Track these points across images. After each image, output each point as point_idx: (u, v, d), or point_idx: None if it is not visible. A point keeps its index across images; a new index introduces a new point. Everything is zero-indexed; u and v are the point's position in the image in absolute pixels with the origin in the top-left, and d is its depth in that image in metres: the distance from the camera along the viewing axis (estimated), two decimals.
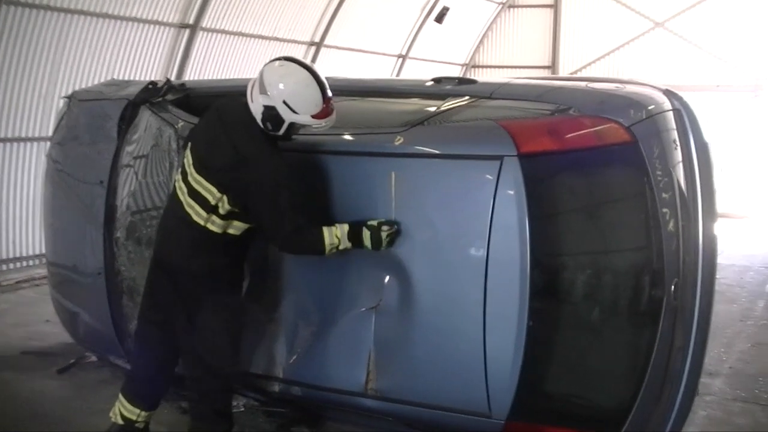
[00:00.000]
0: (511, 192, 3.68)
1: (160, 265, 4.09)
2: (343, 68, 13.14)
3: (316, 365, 4.21)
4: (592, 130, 3.76)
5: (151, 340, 4.18)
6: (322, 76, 3.81)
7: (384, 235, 3.87)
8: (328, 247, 3.82)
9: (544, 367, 3.79)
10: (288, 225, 3.77)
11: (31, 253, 8.63)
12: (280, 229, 3.80)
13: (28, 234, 8.59)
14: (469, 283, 3.79)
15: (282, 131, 3.80)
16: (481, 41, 17.48)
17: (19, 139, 8.32)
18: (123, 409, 4.21)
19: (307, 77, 3.78)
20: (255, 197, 3.77)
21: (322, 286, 4.22)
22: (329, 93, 3.80)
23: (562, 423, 3.80)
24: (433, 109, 4.20)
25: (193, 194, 3.87)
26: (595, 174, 3.80)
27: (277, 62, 3.86)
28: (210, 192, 3.82)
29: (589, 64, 16.38)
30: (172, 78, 7.71)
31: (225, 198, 3.80)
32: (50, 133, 6.55)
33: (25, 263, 8.57)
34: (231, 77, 10.44)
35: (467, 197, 3.82)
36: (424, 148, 3.93)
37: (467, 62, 17.51)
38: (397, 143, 3.93)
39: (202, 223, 3.86)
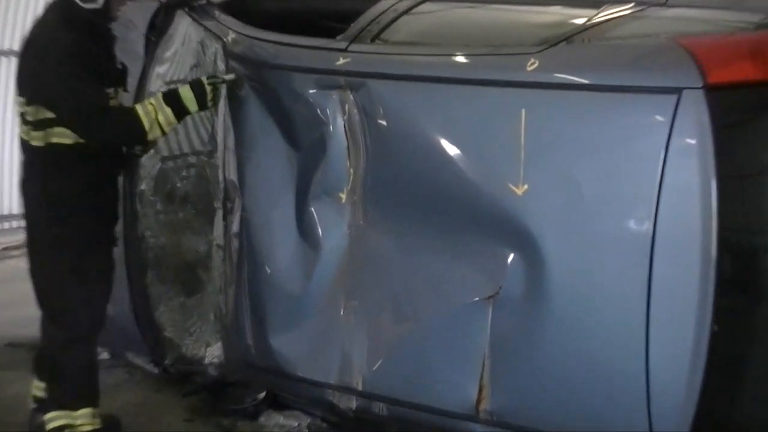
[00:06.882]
0: (692, 141, 3.59)
1: None
2: None
3: (407, 375, 4.23)
4: None
5: None
6: None
7: (206, 83, 4.42)
8: (144, 119, 4.28)
9: (734, 391, 3.72)
10: (88, 102, 4.24)
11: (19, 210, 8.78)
12: (80, 109, 4.22)
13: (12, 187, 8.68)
14: (627, 268, 3.72)
15: (101, 2, 4.26)
16: None
17: None
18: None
19: None
20: (44, 77, 4.22)
21: (419, 266, 4.22)
22: None
23: None
24: (581, 21, 4.14)
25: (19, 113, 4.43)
26: None
27: None
28: (17, 99, 4.37)
29: None
30: None
31: (23, 99, 4.31)
32: None
33: (13, 223, 8.76)
34: None
35: (627, 147, 3.75)
36: (568, 77, 3.88)
37: None
38: (529, 68, 3.89)
39: (26, 138, 4.37)
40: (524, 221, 3.90)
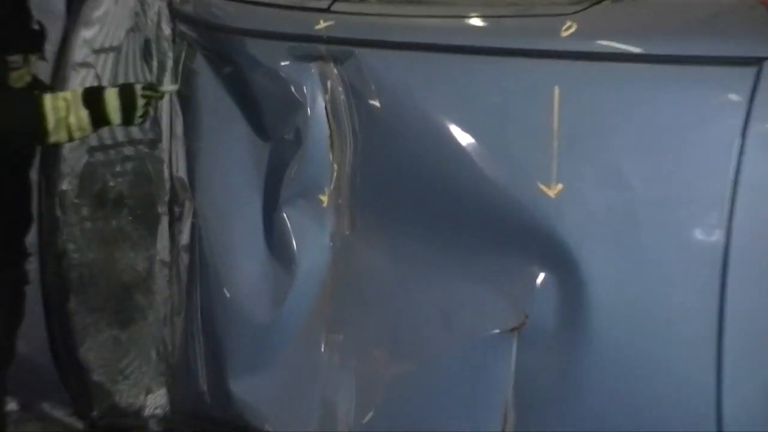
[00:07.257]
0: None
1: None
2: None
3: (407, 428, 4.05)
4: None
5: None
6: None
7: (139, 94, 4.27)
8: (50, 116, 4.08)
9: None
10: None
11: None
12: None
13: None
14: (692, 289, 3.51)
15: None
16: None
17: None
18: None
19: None
20: None
21: (422, 288, 4.06)
22: None
23: None
24: None
25: None
26: None
27: None
28: None
29: None
30: None
31: None
32: None
33: None
34: None
35: (691, 134, 3.53)
36: (614, 44, 3.68)
37: None
38: (565, 34, 3.70)
39: None
40: (558, 230, 3.72)
